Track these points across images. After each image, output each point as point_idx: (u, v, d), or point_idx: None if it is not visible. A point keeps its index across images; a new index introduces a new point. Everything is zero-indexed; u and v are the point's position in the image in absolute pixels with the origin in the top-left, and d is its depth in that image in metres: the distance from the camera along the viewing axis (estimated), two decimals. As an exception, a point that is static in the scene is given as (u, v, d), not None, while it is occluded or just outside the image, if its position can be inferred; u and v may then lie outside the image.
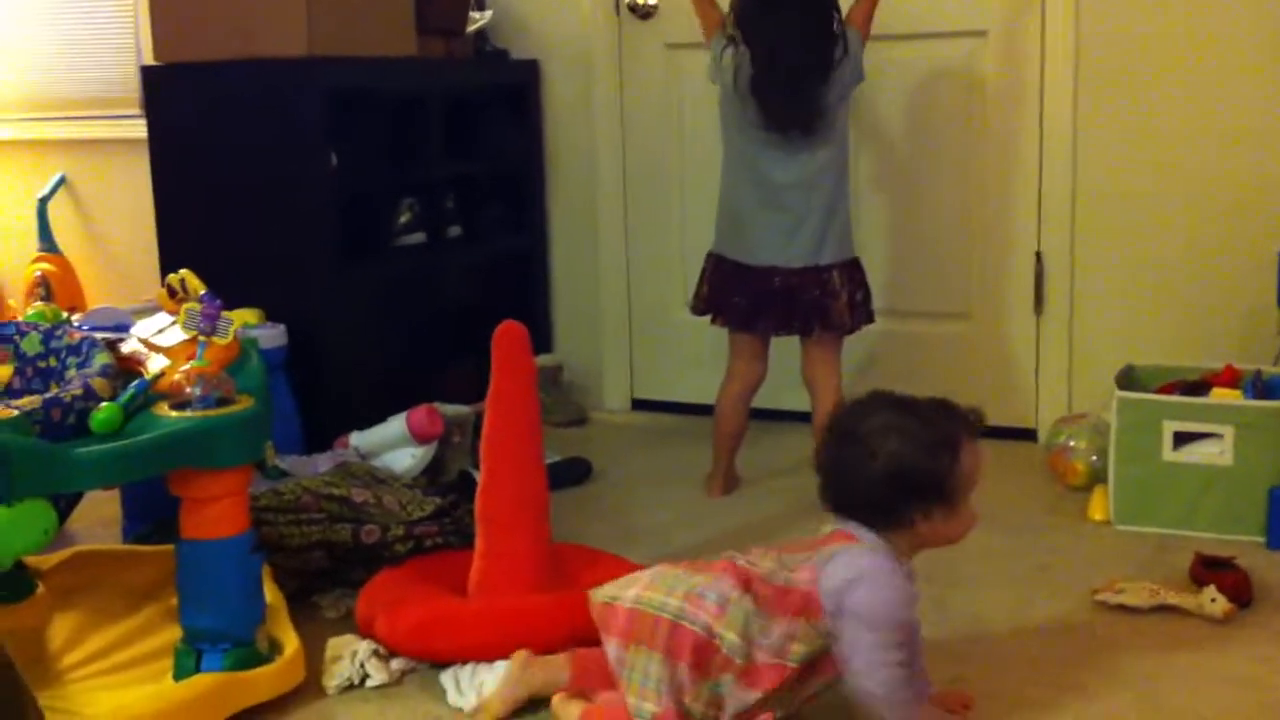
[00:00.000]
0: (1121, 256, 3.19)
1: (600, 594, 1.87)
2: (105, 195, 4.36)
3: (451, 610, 2.14)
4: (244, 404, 1.96)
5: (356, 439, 2.82)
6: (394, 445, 2.79)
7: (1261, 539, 2.56)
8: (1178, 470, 2.61)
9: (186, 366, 1.98)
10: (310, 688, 2.05)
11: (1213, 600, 2.22)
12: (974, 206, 3.31)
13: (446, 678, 2.05)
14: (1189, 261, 3.13)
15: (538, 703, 1.96)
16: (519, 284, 3.76)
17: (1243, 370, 2.76)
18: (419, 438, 2.79)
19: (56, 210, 4.40)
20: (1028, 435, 3.27)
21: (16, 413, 1.80)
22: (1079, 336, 3.26)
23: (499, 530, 2.17)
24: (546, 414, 2.79)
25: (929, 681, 1.91)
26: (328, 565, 2.38)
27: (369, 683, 2.06)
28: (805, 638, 1.77)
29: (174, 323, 2.12)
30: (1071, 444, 2.92)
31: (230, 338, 2.03)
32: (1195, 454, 2.61)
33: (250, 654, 1.98)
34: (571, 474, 3.08)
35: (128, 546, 2.57)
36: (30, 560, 2.30)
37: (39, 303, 3.68)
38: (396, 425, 2.79)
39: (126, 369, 2.15)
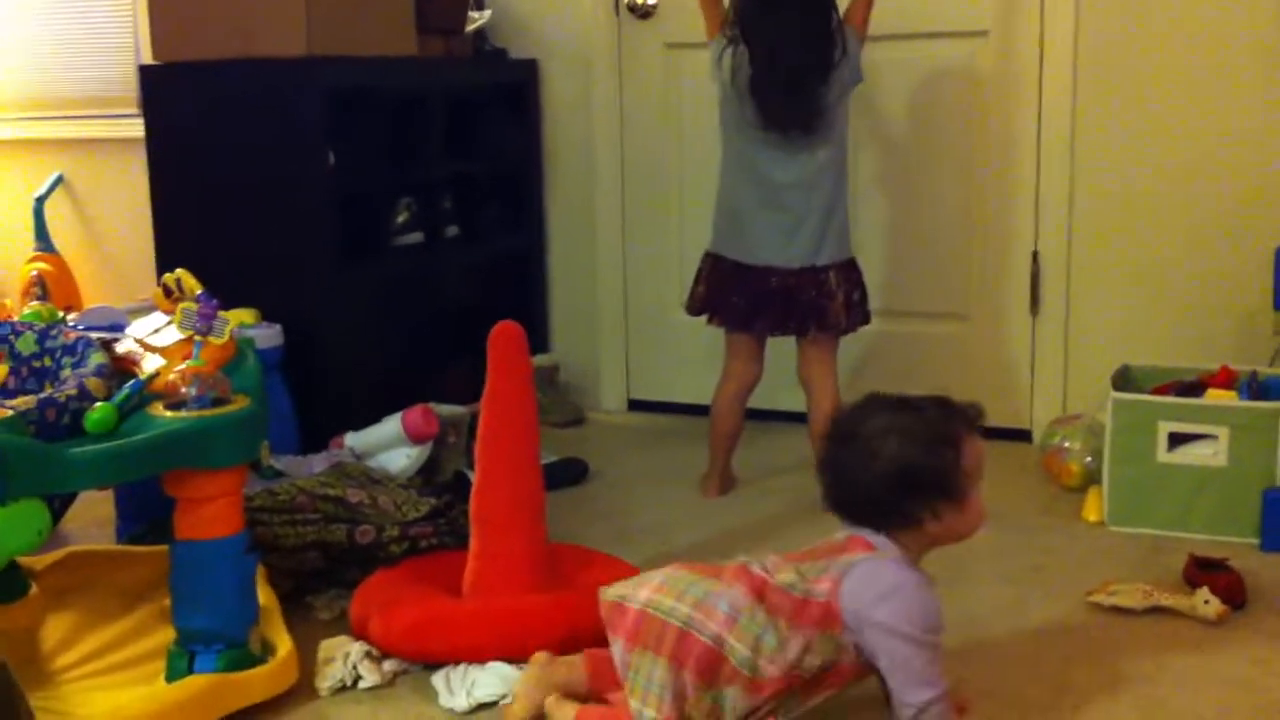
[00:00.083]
0: (1118, 257, 3.20)
1: (610, 593, 1.86)
2: (102, 195, 4.36)
3: (447, 611, 2.14)
4: (239, 404, 1.96)
5: (351, 439, 2.82)
6: (389, 445, 2.79)
7: (1255, 541, 2.56)
8: (1172, 471, 2.62)
9: (182, 366, 1.98)
10: (303, 689, 2.05)
11: (1206, 602, 2.22)
12: (971, 207, 3.32)
13: (438, 679, 2.05)
14: (1185, 262, 3.13)
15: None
16: (516, 284, 3.76)
17: (1238, 371, 2.77)
18: (414, 438, 2.79)
19: (53, 210, 4.40)
20: (1023, 436, 3.27)
21: (11, 413, 1.80)
22: (1075, 337, 3.26)
23: (494, 531, 2.17)
24: (543, 414, 2.78)
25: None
26: (322, 566, 2.38)
27: (361, 684, 2.06)
28: (821, 650, 1.76)
29: (170, 322, 2.12)
30: (1066, 445, 2.92)
31: (226, 338, 2.03)
32: (1190, 455, 2.61)
33: (243, 655, 1.98)
34: (568, 474, 3.08)
35: (122, 547, 2.56)
36: (24, 560, 2.30)
37: (35, 302, 3.68)
38: (392, 425, 2.79)
39: (122, 369, 2.15)
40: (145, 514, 2.59)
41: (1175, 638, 2.18)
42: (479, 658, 2.06)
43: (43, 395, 1.89)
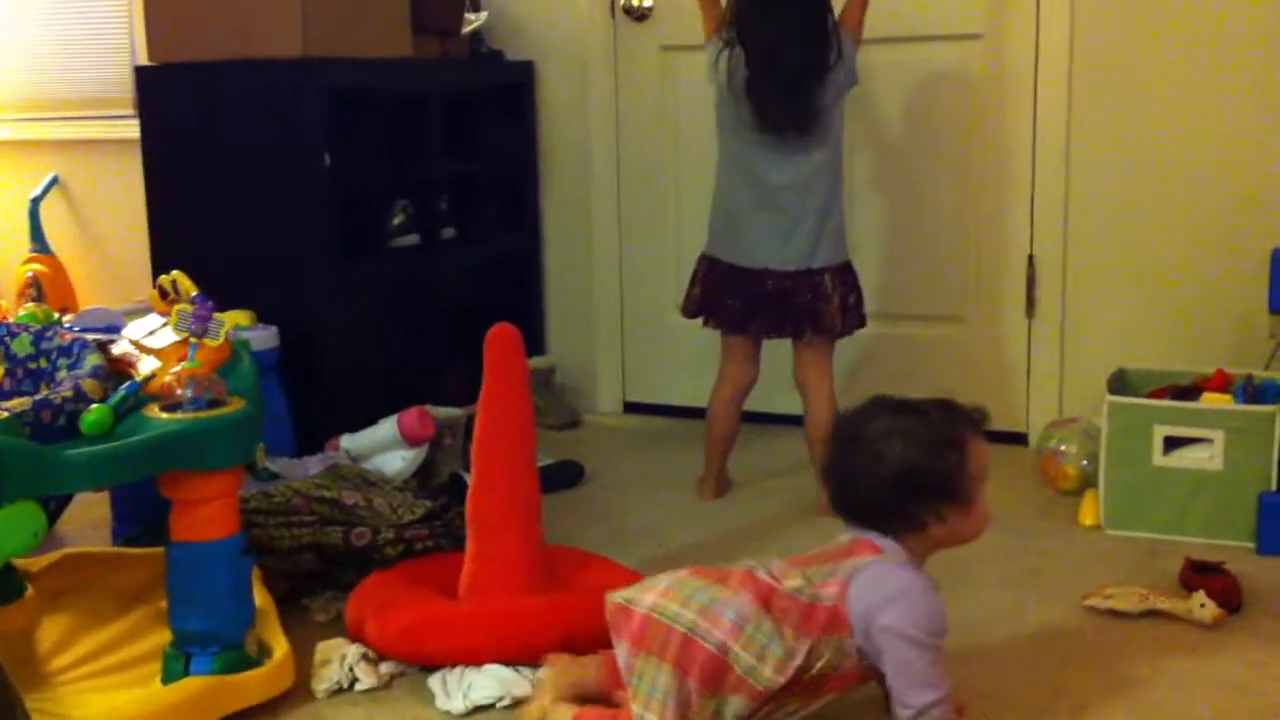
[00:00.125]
0: (1114, 260, 3.20)
1: (617, 596, 1.86)
2: (98, 196, 4.35)
3: (442, 613, 2.13)
4: (235, 406, 1.96)
5: (347, 441, 2.82)
6: (385, 448, 2.79)
7: (1251, 544, 2.56)
8: (1168, 475, 2.62)
9: (178, 368, 1.98)
10: (299, 691, 2.04)
11: (1202, 605, 2.22)
12: (967, 210, 3.32)
13: (435, 681, 2.05)
14: (1181, 265, 3.14)
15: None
16: (512, 286, 3.76)
17: (1234, 375, 2.77)
18: (410, 440, 2.79)
19: (49, 211, 4.39)
20: (1018, 439, 3.27)
21: (6, 414, 1.80)
22: (1070, 340, 3.26)
23: (490, 533, 2.16)
24: (539, 417, 2.79)
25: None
26: (318, 568, 2.37)
27: (358, 686, 2.06)
28: (826, 655, 1.76)
29: (165, 324, 2.12)
30: (1062, 448, 2.92)
31: (222, 339, 2.03)
32: (1186, 459, 2.61)
33: (239, 657, 1.97)
34: (564, 477, 3.08)
35: (117, 549, 2.56)
36: (19, 562, 2.29)
37: (30, 304, 3.67)
38: (387, 428, 2.79)
39: (117, 370, 2.15)
40: (141, 516, 2.58)
41: (1171, 641, 2.18)
42: (475, 660, 2.05)
43: (38, 397, 1.89)
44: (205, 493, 1.93)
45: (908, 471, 1.78)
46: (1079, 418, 3.02)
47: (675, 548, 2.66)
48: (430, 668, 2.08)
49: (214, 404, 1.94)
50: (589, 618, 2.07)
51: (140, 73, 3.19)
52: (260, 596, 2.15)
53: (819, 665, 1.76)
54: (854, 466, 1.83)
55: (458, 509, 2.35)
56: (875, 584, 1.76)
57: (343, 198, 3.07)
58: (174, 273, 2.18)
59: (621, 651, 1.80)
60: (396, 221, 3.27)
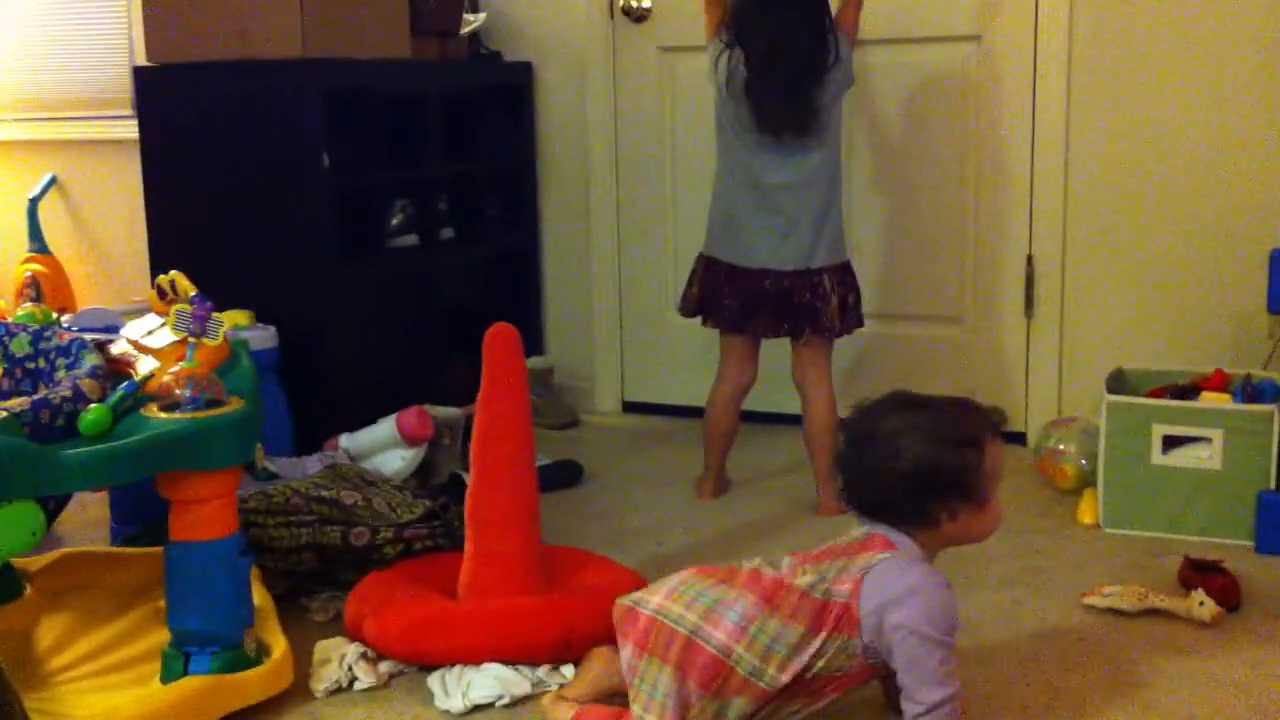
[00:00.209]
0: (1112, 260, 3.20)
1: (626, 599, 1.86)
2: (96, 196, 4.35)
3: (442, 612, 2.13)
4: (234, 406, 1.96)
5: (346, 441, 2.82)
6: (384, 447, 2.79)
7: (1250, 543, 2.56)
8: (1167, 474, 2.62)
9: (176, 368, 1.98)
10: (298, 691, 2.04)
11: (1201, 604, 2.22)
12: (966, 210, 3.32)
13: (434, 680, 2.05)
14: (1180, 265, 3.14)
15: (533, 697, 2.00)
16: (511, 286, 3.76)
17: (1233, 374, 2.77)
18: (409, 440, 2.79)
19: (47, 211, 4.39)
20: (1017, 438, 3.27)
21: (5, 414, 1.80)
22: (1069, 340, 3.26)
23: (489, 532, 2.16)
24: (538, 416, 2.79)
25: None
26: (317, 567, 2.37)
27: (357, 686, 2.06)
28: (832, 654, 1.76)
29: (164, 324, 2.12)
30: (1061, 447, 2.93)
31: (220, 339, 2.03)
32: (1185, 458, 2.61)
33: (238, 657, 1.97)
34: (562, 476, 3.08)
35: (116, 549, 2.56)
36: (18, 562, 2.30)
37: (29, 304, 3.67)
38: (386, 427, 2.79)
39: (116, 370, 2.15)
40: (140, 516, 2.58)
41: (1170, 640, 2.18)
42: (474, 659, 2.05)
43: (37, 397, 1.89)
44: (204, 492, 1.93)
45: (924, 468, 1.78)
46: (1078, 417, 3.03)
47: (674, 547, 2.66)
48: (429, 667, 2.08)
49: (213, 404, 1.94)
50: (587, 617, 2.08)
51: (139, 73, 3.19)
52: (259, 596, 2.15)
53: (821, 665, 1.76)
54: (870, 460, 1.83)
55: (456, 509, 2.35)
56: (889, 580, 1.76)
57: (341, 198, 3.07)
58: (172, 273, 2.18)
59: (626, 653, 1.80)
60: (395, 222, 3.27)
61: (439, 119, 3.38)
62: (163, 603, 2.02)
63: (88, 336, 2.26)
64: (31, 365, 2.22)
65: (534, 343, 3.74)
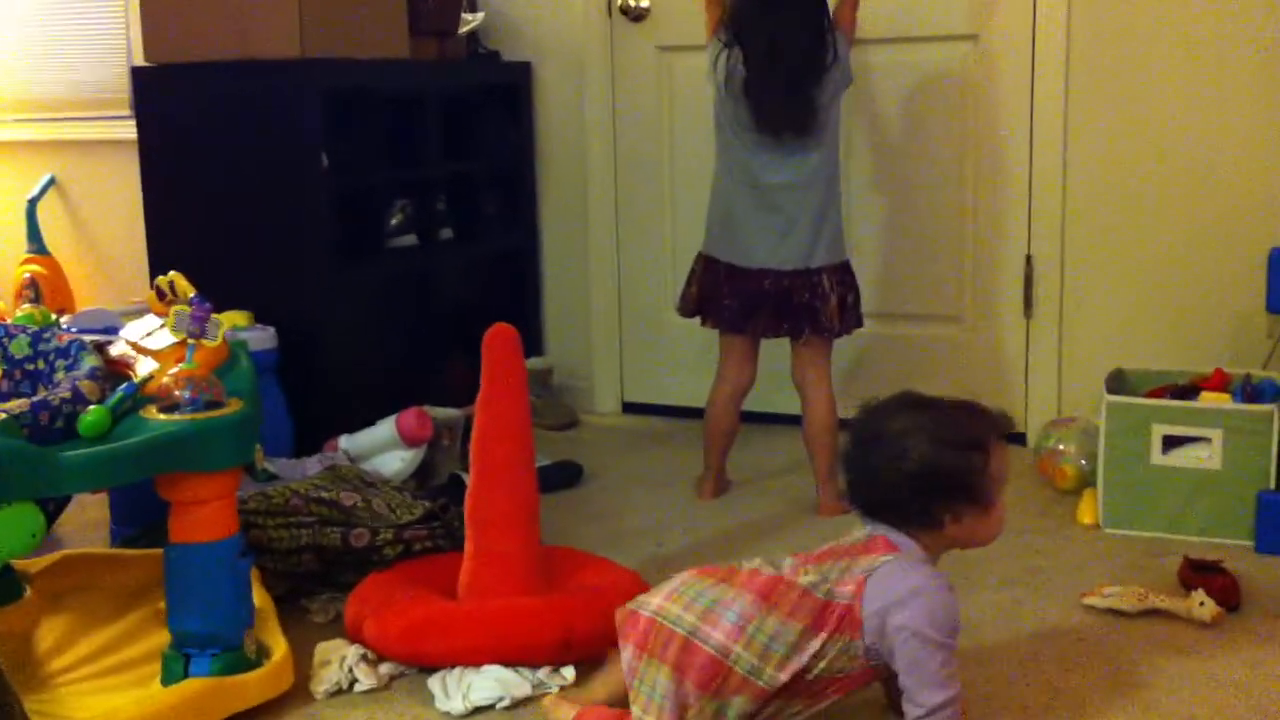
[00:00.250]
0: (1112, 260, 3.20)
1: (629, 604, 1.86)
2: (95, 197, 4.35)
3: (441, 613, 2.13)
4: (233, 407, 1.96)
5: (346, 442, 2.82)
6: (383, 448, 2.79)
7: (1250, 543, 2.56)
8: (1167, 474, 2.62)
9: (175, 369, 1.98)
10: (298, 693, 2.04)
11: (1201, 604, 2.22)
12: (965, 209, 3.32)
13: (434, 682, 2.05)
14: (1179, 265, 3.14)
15: (534, 698, 1.99)
16: (510, 286, 3.76)
17: (1232, 374, 2.77)
18: (408, 441, 2.79)
19: (46, 211, 4.38)
20: (1017, 439, 3.26)
21: (4, 416, 1.80)
22: (1069, 340, 3.26)
23: (489, 533, 2.16)
24: (537, 417, 2.79)
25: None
26: (317, 569, 2.37)
27: (357, 687, 2.06)
28: (833, 655, 1.75)
29: (163, 325, 2.12)
30: (1061, 447, 2.93)
31: (219, 340, 2.03)
32: (1184, 458, 2.61)
33: (238, 658, 1.97)
34: (562, 477, 3.07)
35: (116, 550, 2.56)
36: (18, 564, 2.29)
37: (28, 305, 3.67)
38: (386, 428, 2.79)
39: (115, 372, 2.14)
40: (139, 517, 2.58)
41: (1170, 640, 2.18)
42: (474, 660, 2.05)
43: (36, 398, 1.89)
44: (203, 494, 1.93)
45: (930, 469, 1.77)
46: (1077, 417, 3.03)
47: (674, 548, 2.66)
48: (429, 668, 2.08)
49: (212, 405, 1.94)
50: (587, 618, 2.08)
51: (137, 73, 3.19)
52: (259, 597, 2.15)
53: (821, 666, 1.75)
54: (876, 460, 1.82)
55: (456, 509, 2.35)
56: (892, 582, 1.75)
57: (340, 198, 3.07)
58: (172, 273, 2.18)
59: (626, 655, 1.80)
60: (394, 222, 3.27)
61: (438, 119, 3.38)
62: (163, 604, 2.02)
63: (87, 338, 2.25)
64: (30, 367, 2.22)
65: (533, 343, 3.74)
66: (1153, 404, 2.67)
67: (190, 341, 2.00)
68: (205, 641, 1.95)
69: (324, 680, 2.06)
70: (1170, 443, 2.62)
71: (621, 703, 1.84)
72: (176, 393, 1.94)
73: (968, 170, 3.30)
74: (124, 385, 1.97)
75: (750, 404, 2.97)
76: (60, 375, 2.15)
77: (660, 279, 3.63)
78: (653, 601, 1.83)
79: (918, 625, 1.73)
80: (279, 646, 2.05)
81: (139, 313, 2.46)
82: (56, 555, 2.47)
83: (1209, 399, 2.66)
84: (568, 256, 3.76)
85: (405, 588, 2.21)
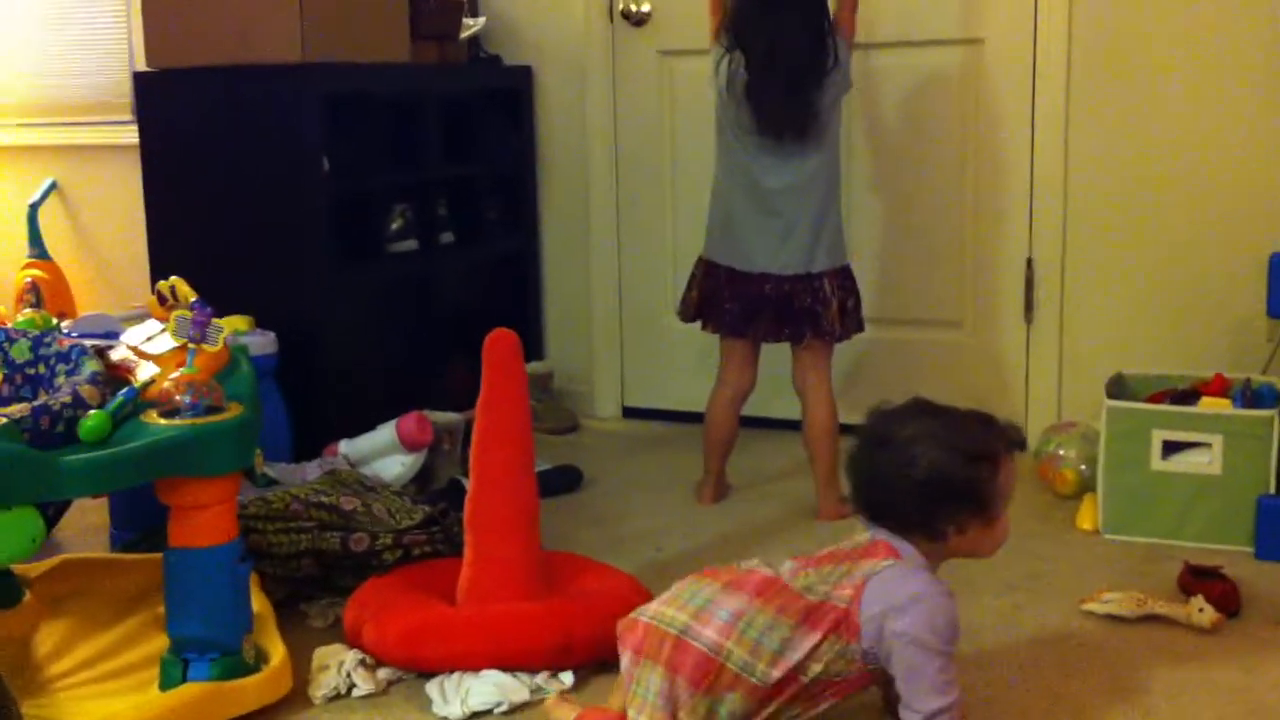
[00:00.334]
0: (1112, 264, 3.20)
1: (632, 613, 1.86)
2: (96, 201, 4.35)
3: (441, 618, 2.13)
4: (233, 412, 1.96)
5: (346, 447, 2.82)
6: (383, 453, 2.79)
7: (1250, 549, 2.56)
8: (1167, 479, 2.62)
9: (176, 374, 1.98)
10: (297, 697, 2.04)
11: (1201, 610, 2.22)
12: (965, 214, 3.32)
13: (432, 687, 2.05)
14: (1180, 270, 3.14)
15: (532, 703, 1.99)
16: (511, 290, 3.76)
17: (1232, 379, 2.77)
18: (408, 445, 2.79)
19: (47, 216, 4.39)
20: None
21: (5, 420, 1.80)
22: (1069, 344, 3.26)
23: (489, 538, 2.16)
24: (537, 421, 2.79)
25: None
26: (316, 573, 2.37)
27: (355, 692, 2.06)
28: (828, 658, 1.75)
29: (164, 330, 2.12)
30: (1061, 452, 2.92)
31: (220, 345, 2.03)
32: (1184, 463, 2.61)
33: (237, 663, 1.97)
34: (562, 482, 3.07)
35: (116, 555, 2.56)
36: (18, 568, 2.29)
37: (29, 309, 3.67)
38: (386, 433, 2.79)
39: (116, 376, 2.15)
40: (139, 521, 2.58)
41: (1170, 646, 2.18)
42: (473, 665, 2.05)
43: (37, 403, 1.89)
44: (203, 498, 1.93)
45: (938, 477, 1.77)
46: (1077, 422, 3.02)
47: (674, 552, 2.66)
48: (428, 673, 2.08)
49: (212, 410, 1.94)
50: (587, 623, 2.08)
51: (139, 78, 3.20)
52: (258, 602, 2.14)
53: (818, 669, 1.75)
54: (883, 465, 1.82)
55: (456, 514, 2.35)
56: (892, 588, 1.75)
57: (341, 202, 3.07)
58: (173, 278, 2.18)
59: (625, 660, 1.81)
60: (395, 226, 3.27)
61: (438, 123, 3.39)
62: (162, 609, 2.02)
63: (88, 342, 2.26)
64: (31, 371, 2.22)
65: (533, 347, 3.74)
66: (1153, 409, 2.67)
67: (191, 346, 2.00)
68: (204, 646, 1.95)
69: (322, 685, 2.06)
70: (1170, 448, 2.62)
71: None
72: (177, 397, 1.94)
73: (968, 174, 3.30)
74: (124, 390, 1.97)
75: (750, 408, 2.97)
76: (61, 380, 2.15)
77: (661, 284, 3.63)
78: (650, 608, 1.84)
79: (917, 631, 1.72)
80: (277, 651, 2.05)
81: (140, 317, 2.46)
82: (56, 560, 2.47)
83: (1209, 404, 2.66)
84: (568, 261, 3.76)
85: (404, 592, 2.21)
